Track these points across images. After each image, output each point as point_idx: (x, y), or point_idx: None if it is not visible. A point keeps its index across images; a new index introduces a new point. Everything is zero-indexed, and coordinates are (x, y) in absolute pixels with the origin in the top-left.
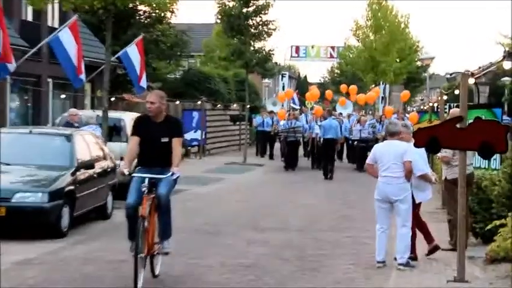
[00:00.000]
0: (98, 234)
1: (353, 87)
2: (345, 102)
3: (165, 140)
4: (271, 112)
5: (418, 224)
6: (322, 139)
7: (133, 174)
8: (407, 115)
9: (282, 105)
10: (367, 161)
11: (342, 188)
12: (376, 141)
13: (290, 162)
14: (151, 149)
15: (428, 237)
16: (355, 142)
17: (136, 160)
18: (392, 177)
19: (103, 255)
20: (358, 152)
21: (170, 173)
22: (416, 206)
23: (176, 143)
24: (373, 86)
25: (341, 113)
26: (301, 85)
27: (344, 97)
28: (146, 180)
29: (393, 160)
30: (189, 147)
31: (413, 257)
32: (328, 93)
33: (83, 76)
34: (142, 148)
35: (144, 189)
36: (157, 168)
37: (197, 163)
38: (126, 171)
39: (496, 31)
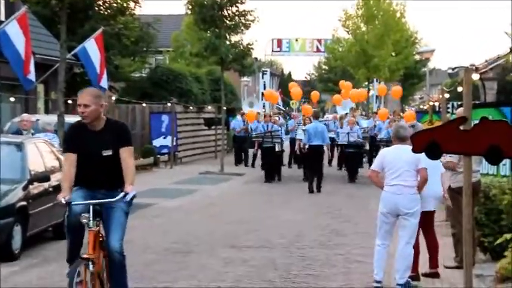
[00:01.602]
0: (54, 257)
1: (343, 83)
2: (341, 100)
3: (107, 153)
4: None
5: (430, 241)
6: (307, 146)
7: (72, 203)
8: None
9: (265, 106)
10: (372, 167)
11: (330, 200)
12: (372, 145)
13: (270, 172)
14: (91, 167)
15: (434, 261)
16: (341, 148)
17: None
18: (404, 186)
19: (60, 281)
20: (347, 159)
21: (121, 195)
22: (429, 219)
23: (126, 154)
24: (366, 83)
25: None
26: (285, 83)
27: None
28: (90, 209)
29: (406, 167)
30: (158, 156)
31: (415, 275)
32: (315, 94)
33: (31, 76)
34: (80, 167)
35: (84, 221)
36: (101, 191)
37: (167, 173)
38: (63, 200)
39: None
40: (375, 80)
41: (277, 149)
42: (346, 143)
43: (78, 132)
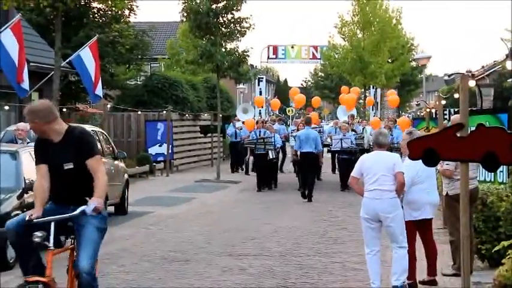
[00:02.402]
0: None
1: (344, 88)
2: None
3: (68, 166)
4: (238, 120)
5: (429, 248)
6: (299, 153)
7: (35, 220)
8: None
9: (260, 113)
10: (352, 173)
11: (327, 207)
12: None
13: (262, 180)
14: (56, 181)
15: (432, 269)
16: (335, 154)
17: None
18: (381, 191)
19: None
20: (340, 166)
21: (78, 211)
22: (427, 227)
23: (93, 165)
24: (363, 90)
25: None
26: (281, 90)
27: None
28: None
29: (383, 171)
30: (154, 164)
31: (412, 283)
32: (316, 100)
33: (25, 84)
34: (50, 180)
35: (36, 240)
36: (70, 206)
37: (163, 181)
38: (28, 217)
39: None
40: (371, 86)
41: (270, 157)
42: (339, 149)
43: (43, 144)
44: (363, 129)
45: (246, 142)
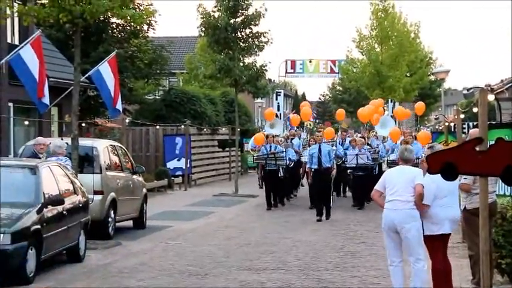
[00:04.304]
0: (69, 280)
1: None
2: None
3: None
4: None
5: (442, 265)
6: (312, 170)
7: None
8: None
9: (286, 128)
10: (376, 187)
11: (346, 221)
12: (379, 168)
13: (273, 197)
14: None
15: (448, 285)
16: (349, 171)
17: None
18: (399, 201)
19: None
20: (355, 183)
21: None
22: (443, 242)
23: None
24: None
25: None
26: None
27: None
28: None
29: (403, 183)
30: (172, 178)
31: None
32: (340, 112)
33: (46, 99)
34: None
35: None
36: None
37: (181, 195)
38: None
39: None
40: (389, 100)
41: (280, 174)
42: (354, 165)
43: None
44: (378, 145)
45: (256, 158)
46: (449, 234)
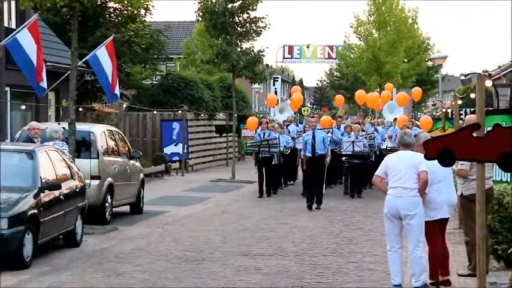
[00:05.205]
0: (66, 265)
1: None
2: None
3: None
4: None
5: (441, 249)
6: (306, 157)
7: None
8: (417, 122)
9: (295, 113)
10: (377, 172)
11: (342, 207)
12: (379, 155)
13: (266, 186)
14: None
15: (445, 269)
16: (344, 158)
17: None
18: (403, 188)
19: None
20: (350, 172)
21: None
22: (442, 227)
23: None
24: (378, 90)
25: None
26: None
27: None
28: None
29: (406, 170)
30: (169, 163)
31: (435, 282)
32: (339, 98)
33: (44, 83)
34: None
35: None
36: None
37: (178, 181)
38: None
39: None
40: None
41: (274, 162)
42: (350, 152)
43: None
44: (373, 131)
45: (250, 145)
46: (448, 219)
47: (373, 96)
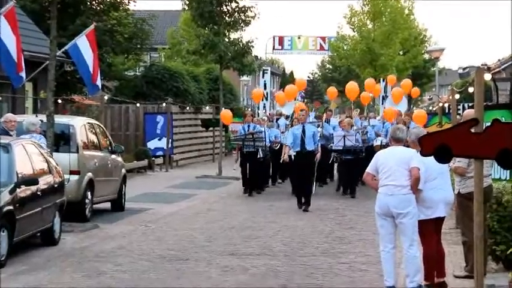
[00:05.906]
0: (43, 264)
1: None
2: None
3: None
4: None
5: (436, 250)
6: (293, 152)
7: None
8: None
9: (264, 107)
10: (367, 169)
11: (334, 206)
12: (370, 151)
13: (250, 182)
14: None
15: (441, 270)
16: (333, 153)
17: None
18: (394, 186)
19: None
20: (342, 167)
21: None
22: (438, 226)
23: None
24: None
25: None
26: (287, 82)
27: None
28: None
29: (398, 166)
30: (152, 158)
31: (430, 284)
32: (332, 90)
33: (23, 73)
34: None
35: None
36: None
37: (162, 177)
38: None
39: None
40: (381, 80)
41: (259, 156)
42: (341, 147)
43: None
44: (365, 126)
45: (233, 139)
46: (444, 217)
47: (370, 82)
